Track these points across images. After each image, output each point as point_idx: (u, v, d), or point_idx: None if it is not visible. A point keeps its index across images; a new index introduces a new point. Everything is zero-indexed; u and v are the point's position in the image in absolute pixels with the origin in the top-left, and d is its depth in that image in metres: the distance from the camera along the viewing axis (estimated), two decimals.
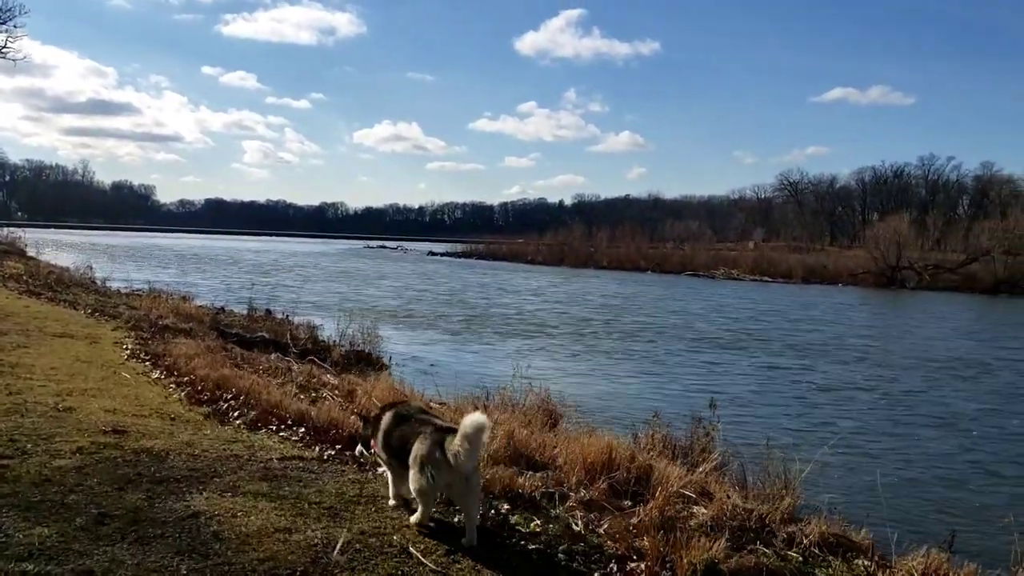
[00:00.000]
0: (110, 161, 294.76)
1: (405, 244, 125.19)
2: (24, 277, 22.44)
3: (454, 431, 4.87)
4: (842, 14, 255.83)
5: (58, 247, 33.52)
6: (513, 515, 5.73)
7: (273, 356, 15.99)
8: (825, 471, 9.04)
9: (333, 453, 7.06)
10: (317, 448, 7.23)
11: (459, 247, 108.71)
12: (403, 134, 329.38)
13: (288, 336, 19.95)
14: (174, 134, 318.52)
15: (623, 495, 6.55)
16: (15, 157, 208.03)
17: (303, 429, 7.89)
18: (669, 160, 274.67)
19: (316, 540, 4.80)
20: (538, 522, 5.62)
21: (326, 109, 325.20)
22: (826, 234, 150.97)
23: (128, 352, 12.46)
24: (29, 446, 6.20)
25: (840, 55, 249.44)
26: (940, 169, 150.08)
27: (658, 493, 6.34)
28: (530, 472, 6.90)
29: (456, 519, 5.40)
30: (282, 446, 7.22)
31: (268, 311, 26.22)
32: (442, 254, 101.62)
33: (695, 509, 6.35)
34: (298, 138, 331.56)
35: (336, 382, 12.45)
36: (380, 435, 5.50)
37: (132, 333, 14.80)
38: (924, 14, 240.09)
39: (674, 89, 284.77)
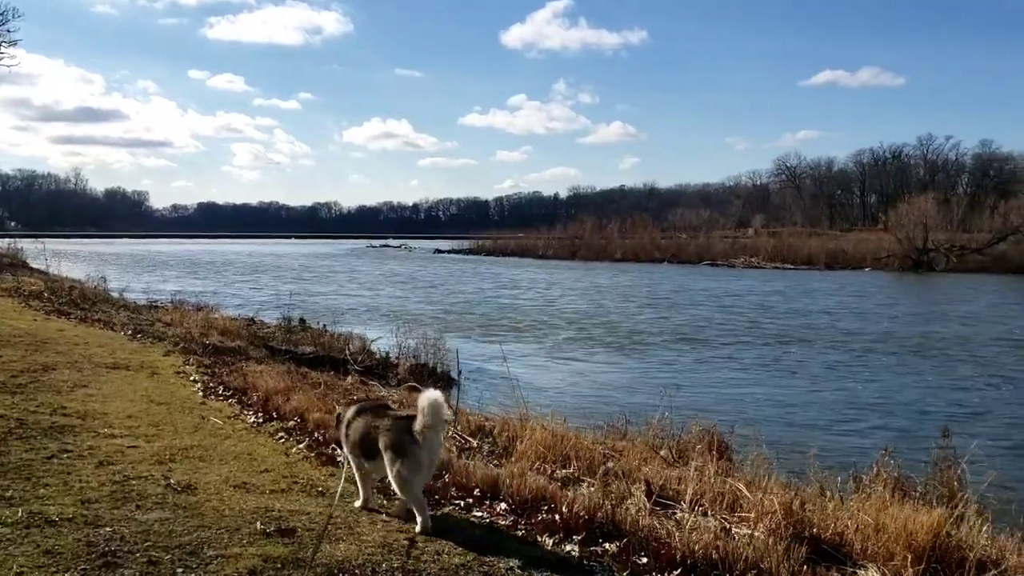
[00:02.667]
0: (101, 168, 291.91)
1: (409, 242, 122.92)
2: (46, 294, 20.31)
3: (414, 417, 5.02)
4: None
5: (60, 258, 31.33)
6: None
7: (349, 379, 14.04)
8: None
9: (576, 551, 5.05)
10: (548, 538, 5.20)
11: (465, 244, 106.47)
12: (393, 131, 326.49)
13: (346, 351, 17.97)
14: (164, 139, 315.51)
15: None
16: (5, 167, 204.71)
17: (504, 504, 5.85)
18: (661, 149, 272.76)
19: None
20: None
21: (315, 109, 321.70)
22: (825, 218, 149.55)
23: (200, 386, 10.43)
24: (180, 572, 4.17)
25: (828, 38, 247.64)
26: (939, 149, 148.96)
27: None
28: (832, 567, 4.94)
29: None
30: (503, 540, 5.19)
31: (303, 321, 24.27)
32: (448, 251, 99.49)
33: None
34: (288, 139, 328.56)
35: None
36: (343, 431, 5.60)
37: (189, 359, 12.78)
38: None
39: (664, 78, 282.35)
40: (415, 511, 5.14)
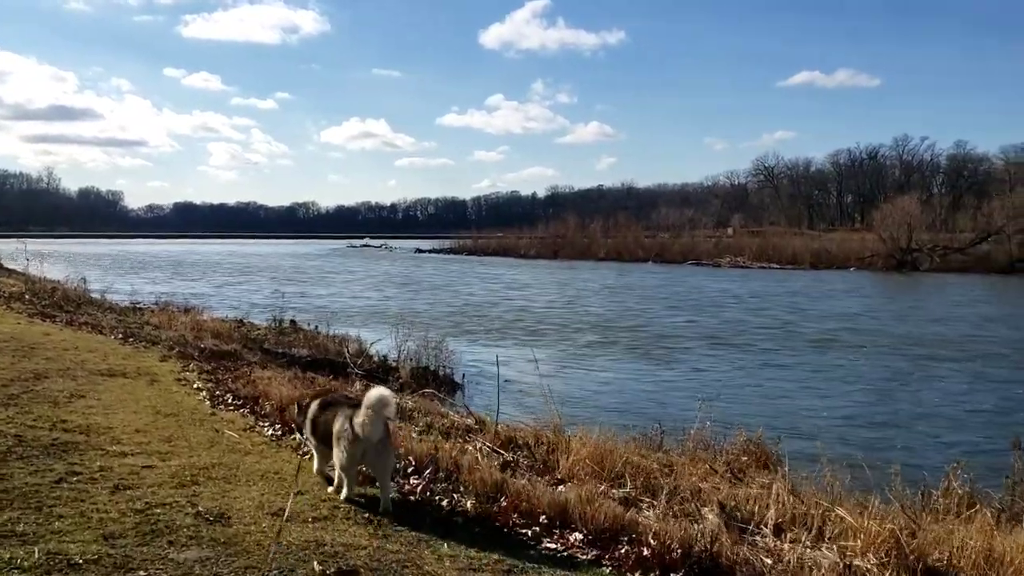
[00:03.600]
0: (74, 168, 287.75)
1: (389, 242, 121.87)
2: (27, 296, 19.39)
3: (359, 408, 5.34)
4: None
5: (35, 258, 30.27)
6: None
7: (357, 384, 13.35)
8: None
9: None
10: None
11: (446, 243, 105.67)
12: (371, 131, 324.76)
13: (346, 354, 17.27)
14: (139, 139, 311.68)
15: None
16: None
17: (578, 535, 5.22)
18: (639, 149, 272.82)
19: None
20: None
21: (293, 108, 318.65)
22: (804, 218, 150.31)
23: (205, 394, 9.71)
24: None
25: (805, 39, 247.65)
26: (914, 149, 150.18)
27: None
28: None
29: None
30: None
31: (293, 322, 23.56)
32: (430, 251, 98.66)
33: None
34: (265, 139, 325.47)
35: (466, 420, 9.78)
36: (307, 421, 6.14)
37: (188, 364, 12.04)
38: None
39: (641, 78, 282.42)
40: (345, 485, 5.68)
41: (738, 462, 8.54)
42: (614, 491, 6.51)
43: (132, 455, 6.54)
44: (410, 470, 6.44)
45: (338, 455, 5.58)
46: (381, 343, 18.90)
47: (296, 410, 6.70)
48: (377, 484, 5.74)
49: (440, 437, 8.32)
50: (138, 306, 25.96)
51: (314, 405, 6.11)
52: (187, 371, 11.43)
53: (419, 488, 5.99)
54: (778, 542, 5.43)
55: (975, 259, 63.37)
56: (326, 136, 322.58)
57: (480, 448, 7.55)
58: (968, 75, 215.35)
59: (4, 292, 19.86)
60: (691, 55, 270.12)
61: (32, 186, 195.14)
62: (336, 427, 5.57)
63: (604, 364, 19.69)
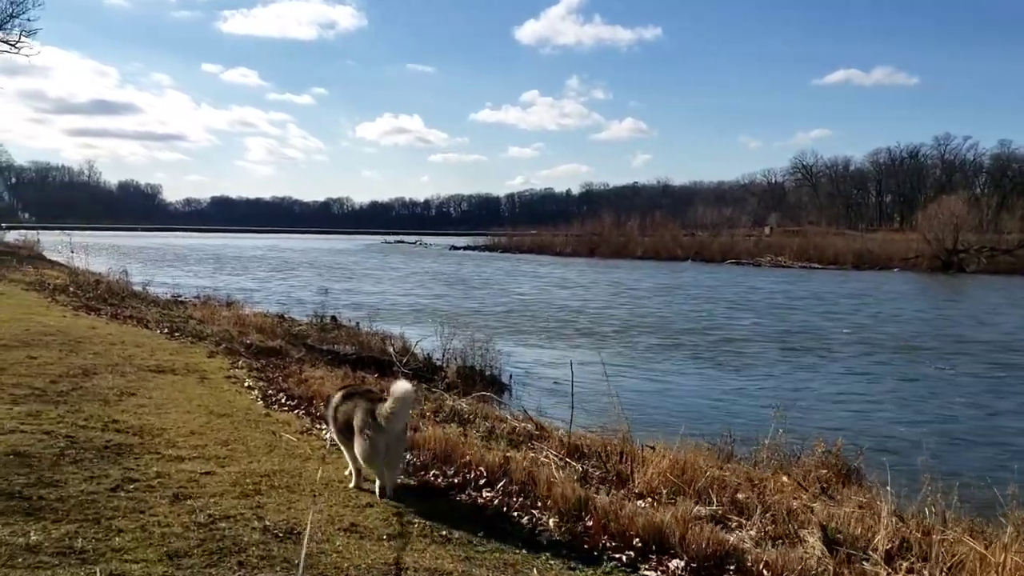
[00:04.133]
0: (114, 161, 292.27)
1: (423, 238, 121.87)
2: (71, 288, 19.29)
3: (384, 400, 5.50)
4: None
5: (77, 250, 30.30)
6: None
7: (411, 383, 12.99)
8: None
9: None
10: None
11: (480, 240, 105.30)
12: (405, 127, 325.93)
13: (391, 352, 16.90)
14: (177, 133, 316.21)
15: None
16: (20, 159, 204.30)
17: (679, 561, 4.76)
18: (674, 146, 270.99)
19: None
20: None
21: (328, 104, 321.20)
22: (842, 218, 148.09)
23: (257, 393, 9.38)
24: None
25: (842, 37, 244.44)
26: (956, 149, 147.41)
27: None
28: None
29: None
30: None
31: (335, 318, 23.28)
32: (464, 247, 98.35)
33: None
34: (301, 134, 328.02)
35: (526, 425, 9.33)
36: (331, 412, 6.09)
37: (237, 361, 11.75)
38: None
39: (677, 75, 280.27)
40: (376, 476, 5.73)
41: (818, 475, 8.01)
42: (699, 508, 6.02)
43: (189, 460, 6.19)
44: (482, 482, 6.01)
45: (361, 446, 5.61)
46: (426, 341, 18.48)
47: (324, 405, 6.77)
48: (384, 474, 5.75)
49: (505, 444, 7.90)
50: (180, 299, 25.93)
51: (337, 396, 6.17)
52: (236, 368, 11.13)
53: (495, 501, 5.56)
54: (892, 572, 4.92)
55: (1021, 260, 61.65)
56: (360, 131, 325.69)
57: (551, 458, 7.09)
58: (1010, 73, 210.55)
59: (49, 284, 19.80)
60: (727, 52, 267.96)
61: (74, 179, 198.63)
62: (358, 419, 5.63)
63: (668, 368, 18.54)
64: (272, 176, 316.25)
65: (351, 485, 5.84)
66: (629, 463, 7.05)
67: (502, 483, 5.87)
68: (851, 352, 21.02)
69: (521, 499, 5.67)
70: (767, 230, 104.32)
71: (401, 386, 5.46)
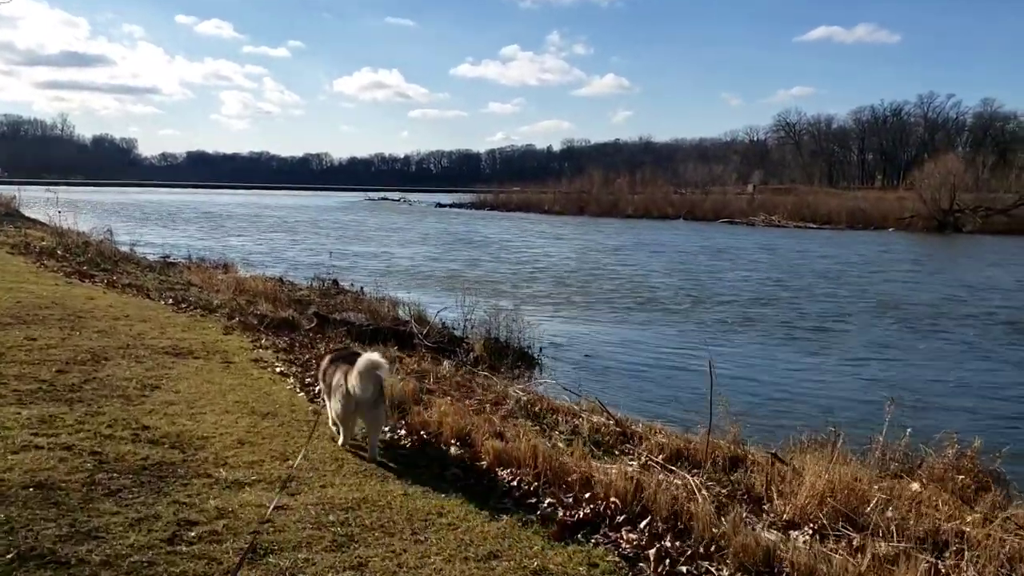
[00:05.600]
0: (87, 115, 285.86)
1: (408, 196, 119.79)
2: (59, 251, 17.82)
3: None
4: None
5: (54, 207, 28.65)
6: None
7: (445, 363, 11.81)
8: None
9: None
10: None
11: (467, 198, 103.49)
12: (384, 81, 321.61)
13: (412, 324, 15.65)
14: (151, 86, 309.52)
15: None
16: None
17: None
18: (655, 103, 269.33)
19: None
20: None
21: (305, 57, 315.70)
22: (823, 175, 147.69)
23: (294, 381, 8.17)
24: None
25: None
26: (940, 107, 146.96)
27: None
28: None
29: None
30: None
31: (336, 282, 22.01)
32: (450, 205, 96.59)
33: None
34: (277, 87, 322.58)
35: (606, 422, 8.16)
36: (320, 375, 6.62)
37: (258, 338, 10.55)
38: None
39: (659, 31, 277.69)
40: (341, 433, 6.09)
41: (956, 483, 6.96)
42: (880, 544, 4.91)
43: (249, 485, 4.99)
44: (620, 518, 4.84)
45: (333, 406, 6.05)
46: (435, 306, 17.27)
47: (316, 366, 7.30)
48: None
49: (597, 451, 6.76)
50: (171, 261, 24.55)
51: (326, 359, 6.54)
52: (259, 348, 9.91)
53: (651, 554, 4.37)
54: None
55: (1018, 221, 61.08)
56: (338, 86, 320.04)
57: (689, 482, 5.90)
58: (993, 32, 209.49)
59: (35, 247, 18.31)
60: (708, 8, 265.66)
61: (47, 133, 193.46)
62: (334, 381, 5.98)
63: (745, 349, 15.54)
64: (247, 130, 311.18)
65: (339, 443, 6.07)
66: (765, 478, 5.92)
67: (646, 522, 4.72)
68: (950, 328, 18.25)
69: (677, 543, 4.52)
70: (749, 187, 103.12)
71: (366, 358, 5.67)
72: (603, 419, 8.11)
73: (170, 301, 13.00)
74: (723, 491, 5.96)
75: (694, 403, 9.58)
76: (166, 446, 5.62)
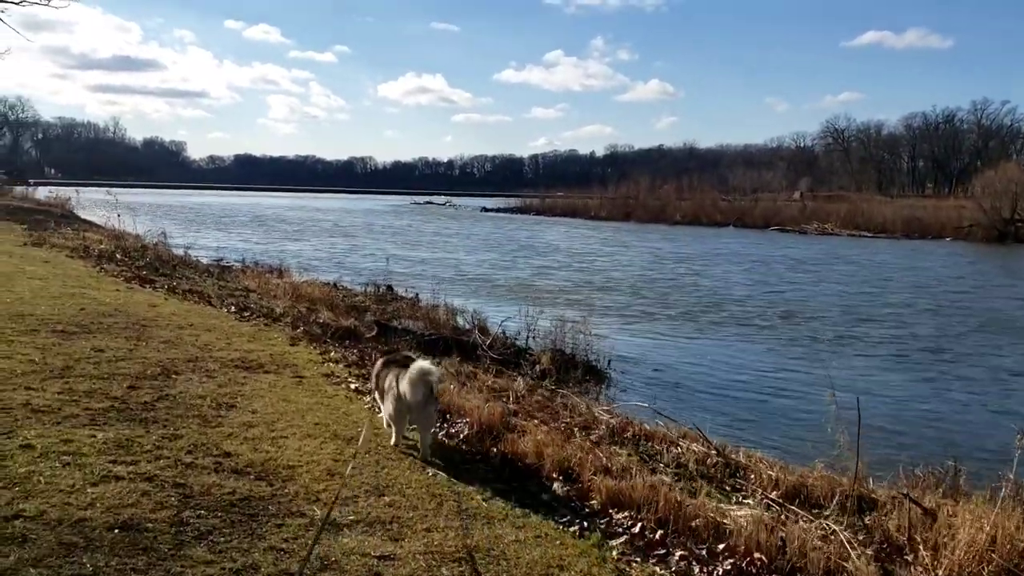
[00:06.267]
0: (138, 118, 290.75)
1: (453, 200, 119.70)
2: (119, 255, 17.67)
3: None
4: None
5: (107, 208, 28.63)
6: None
7: (519, 379, 11.28)
8: None
9: None
10: None
11: (512, 202, 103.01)
12: (428, 86, 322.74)
13: (476, 335, 15.13)
14: (200, 90, 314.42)
15: None
16: (45, 115, 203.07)
17: None
18: (699, 109, 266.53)
19: None
20: None
21: (350, 62, 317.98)
22: (873, 183, 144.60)
23: (369, 400, 7.69)
24: None
25: None
26: (994, 114, 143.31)
27: None
28: None
29: None
30: None
31: (390, 287, 21.67)
32: (496, 210, 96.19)
33: None
34: (323, 92, 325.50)
35: (706, 451, 7.57)
36: (373, 377, 6.94)
37: (326, 350, 10.14)
38: None
39: (704, 36, 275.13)
40: (393, 433, 6.26)
41: None
42: None
43: (349, 529, 4.52)
44: None
45: (386, 407, 6.31)
46: (503, 317, 16.68)
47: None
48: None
49: (708, 486, 6.18)
50: (222, 264, 24.45)
51: (379, 362, 6.90)
52: (329, 361, 9.49)
53: None
54: None
55: None
56: (383, 90, 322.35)
57: (831, 532, 5.29)
58: None
59: (93, 250, 18.16)
60: (755, 13, 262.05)
61: (99, 135, 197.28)
62: (386, 384, 6.26)
63: (846, 370, 13.87)
64: (294, 134, 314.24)
65: (391, 442, 6.26)
66: (906, 524, 5.29)
67: None
68: None
69: None
70: (797, 194, 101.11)
71: (417, 366, 5.92)
72: (702, 447, 7.52)
73: (232, 309, 12.68)
74: (854, 538, 5.36)
75: (791, 429, 8.95)
76: (252, 477, 5.18)
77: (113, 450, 5.36)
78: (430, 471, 5.74)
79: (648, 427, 8.29)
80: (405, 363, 6.24)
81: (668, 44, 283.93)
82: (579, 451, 6.26)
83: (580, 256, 37.89)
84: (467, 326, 16.66)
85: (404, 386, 5.90)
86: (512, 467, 5.98)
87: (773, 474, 6.62)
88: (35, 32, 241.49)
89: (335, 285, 21.70)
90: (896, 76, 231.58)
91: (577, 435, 7.37)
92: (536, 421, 7.46)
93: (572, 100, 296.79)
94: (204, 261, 23.92)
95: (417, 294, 20.42)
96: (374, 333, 14.15)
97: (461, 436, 6.75)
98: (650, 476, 5.57)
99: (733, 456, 7.27)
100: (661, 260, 36.85)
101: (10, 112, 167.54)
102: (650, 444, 7.46)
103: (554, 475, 5.80)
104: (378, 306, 18.69)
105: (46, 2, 46.90)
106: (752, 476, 6.69)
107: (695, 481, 6.18)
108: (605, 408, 8.98)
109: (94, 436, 5.59)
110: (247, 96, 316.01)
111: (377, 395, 6.71)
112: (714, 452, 7.31)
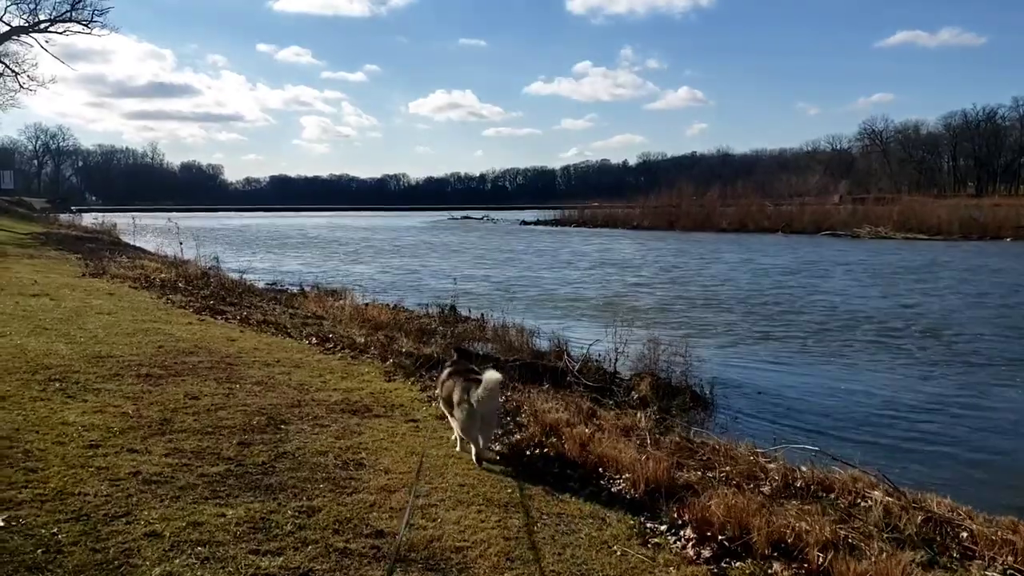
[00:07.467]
0: (174, 143, 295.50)
1: (490, 214, 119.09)
2: (180, 284, 16.98)
3: (480, 382, 6.17)
4: None
5: (153, 233, 28.16)
6: None
7: (639, 414, 10.27)
8: None
9: None
10: None
11: (550, 214, 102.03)
12: (458, 102, 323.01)
13: (566, 360, 14.13)
14: (235, 113, 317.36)
15: None
16: (84, 143, 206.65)
17: None
18: (730, 115, 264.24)
19: None
20: None
21: (381, 80, 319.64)
22: (912, 184, 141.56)
23: (498, 447, 6.77)
24: None
25: None
26: None
27: None
28: None
29: None
30: None
31: (453, 308, 20.78)
32: (535, 222, 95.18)
33: None
34: (355, 111, 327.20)
35: (882, 496, 6.51)
36: (438, 388, 7.18)
37: (422, 383, 9.20)
38: None
39: (732, 42, 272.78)
40: (471, 445, 6.40)
41: None
42: None
43: None
44: None
45: (458, 417, 6.39)
46: (590, 340, 15.56)
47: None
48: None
49: (889, 547, 5.14)
50: (279, 288, 23.86)
51: (444, 373, 7.13)
52: (434, 399, 8.55)
53: None
54: None
55: None
56: (414, 108, 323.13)
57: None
58: None
59: (154, 280, 17.48)
60: (784, 16, 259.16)
61: (138, 161, 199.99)
62: (456, 395, 6.39)
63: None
64: (327, 154, 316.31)
65: (456, 449, 6.56)
66: None
67: None
68: None
69: None
70: (836, 197, 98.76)
71: (492, 376, 6.11)
72: (882, 495, 6.45)
73: (314, 341, 11.83)
74: None
75: (968, 470, 7.82)
76: (421, 566, 4.27)
77: (250, 535, 4.47)
78: (617, 549, 4.78)
79: (819, 472, 7.19)
80: (469, 374, 6.60)
81: (697, 52, 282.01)
82: (788, 517, 5.24)
83: (663, 270, 34.92)
84: (546, 348, 15.74)
85: (477, 395, 6.08)
86: (706, 540, 4.97)
87: (992, 533, 5.54)
88: (73, 62, 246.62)
89: (397, 307, 20.89)
90: (929, 75, 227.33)
91: (747, 487, 6.37)
92: (698, 472, 6.47)
93: (601, 110, 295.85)
94: (260, 285, 23.28)
95: (482, 314, 19.49)
96: (454, 359, 13.25)
97: (626, 497, 5.77)
98: (891, 551, 4.55)
99: (936, 508, 6.19)
100: (753, 273, 33.18)
101: (51, 141, 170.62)
102: (830, 496, 6.41)
103: (767, 550, 4.80)
104: (445, 328, 17.81)
105: (89, 31, 47.20)
106: (952, 529, 5.63)
107: (916, 550, 5.14)
108: (760, 450, 7.92)
109: (223, 515, 4.72)
110: (280, 118, 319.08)
111: (443, 405, 6.95)
112: (911, 504, 6.24)
